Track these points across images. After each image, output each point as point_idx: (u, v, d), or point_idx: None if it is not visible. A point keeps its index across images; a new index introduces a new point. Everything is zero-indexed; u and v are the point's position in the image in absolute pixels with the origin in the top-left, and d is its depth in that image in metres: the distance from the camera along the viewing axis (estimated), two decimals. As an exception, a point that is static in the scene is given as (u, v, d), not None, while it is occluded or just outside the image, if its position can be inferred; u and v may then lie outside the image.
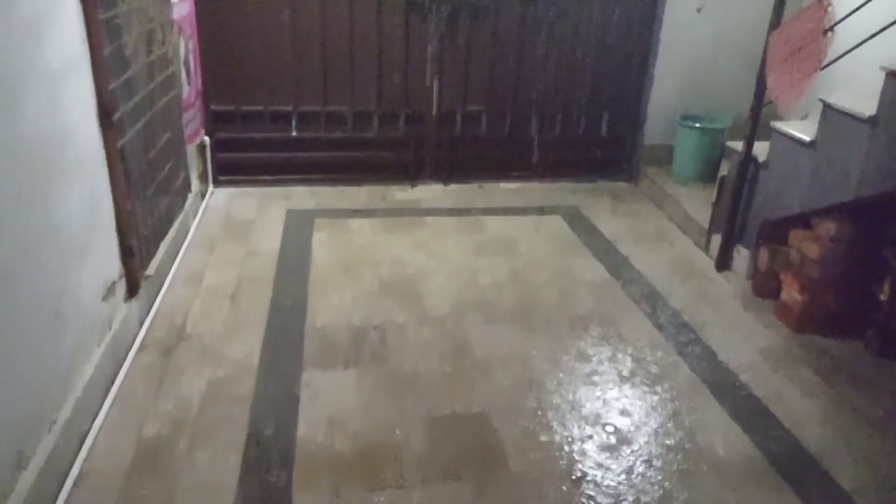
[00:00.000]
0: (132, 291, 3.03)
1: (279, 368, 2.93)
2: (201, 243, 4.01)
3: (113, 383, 2.72)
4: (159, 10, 3.42)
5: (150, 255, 3.31)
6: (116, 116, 2.79)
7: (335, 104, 4.88)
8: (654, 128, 5.14)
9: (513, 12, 4.83)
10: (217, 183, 4.80)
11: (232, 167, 4.86)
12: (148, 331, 3.12)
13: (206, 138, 4.61)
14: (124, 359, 2.87)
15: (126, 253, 2.96)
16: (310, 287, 3.60)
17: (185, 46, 4.03)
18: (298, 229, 4.30)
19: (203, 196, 4.53)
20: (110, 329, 2.78)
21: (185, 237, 3.95)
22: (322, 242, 4.13)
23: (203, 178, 4.59)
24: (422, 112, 5.00)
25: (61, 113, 2.40)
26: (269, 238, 4.15)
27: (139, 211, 3.11)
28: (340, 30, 4.69)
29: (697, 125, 4.82)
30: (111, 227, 2.86)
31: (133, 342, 2.99)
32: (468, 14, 4.78)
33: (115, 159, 2.78)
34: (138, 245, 3.07)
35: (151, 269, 3.23)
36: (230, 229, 4.25)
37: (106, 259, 2.82)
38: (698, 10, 4.79)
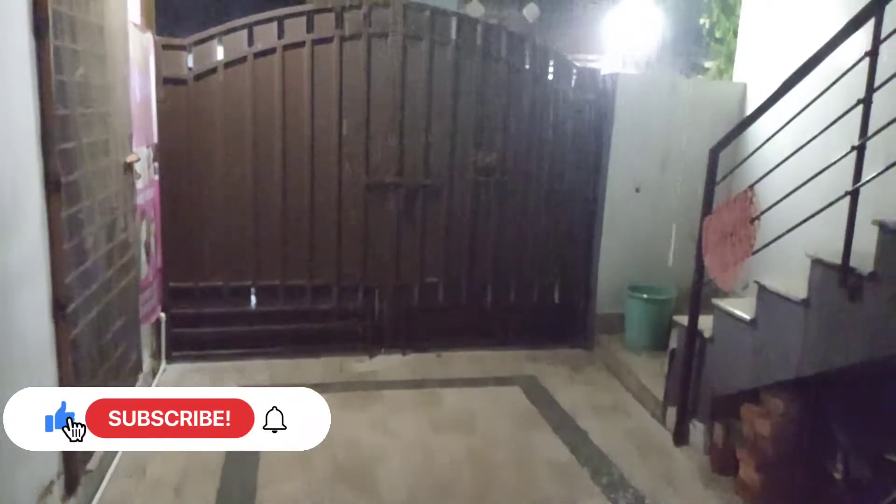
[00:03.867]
0: (71, 489, 2.87)
1: (223, 573, 2.75)
2: (149, 426, 3.86)
3: None
4: (123, 200, 3.53)
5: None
6: (70, 309, 2.78)
7: (294, 278, 4.97)
8: (605, 297, 5.31)
9: (465, 193, 5.12)
10: (170, 359, 4.72)
11: (186, 342, 4.81)
12: (83, 532, 2.93)
13: (163, 315, 4.59)
14: (55, 567, 2.67)
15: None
16: (259, 474, 3.45)
17: (147, 229, 4.12)
18: (252, 408, 4.18)
19: (155, 374, 4.44)
20: (42, 534, 2.60)
21: (133, 421, 3.81)
22: (276, 422, 4.02)
23: (156, 355, 4.51)
24: (380, 284, 5.11)
25: (13, 310, 2.40)
26: (221, 418, 4.02)
27: (85, 401, 3.02)
28: (301, 208, 4.88)
29: (645, 296, 5.01)
30: (54, 422, 2.76)
31: (66, 546, 2.79)
32: (424, 194, 5.05)
33: (66, 352, 2.74)
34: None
35: (93, 464, 3.08)
36: (180, 409, 4.11)
37: (45, 458, 2.69)
38: (637, 191, 5.16)
